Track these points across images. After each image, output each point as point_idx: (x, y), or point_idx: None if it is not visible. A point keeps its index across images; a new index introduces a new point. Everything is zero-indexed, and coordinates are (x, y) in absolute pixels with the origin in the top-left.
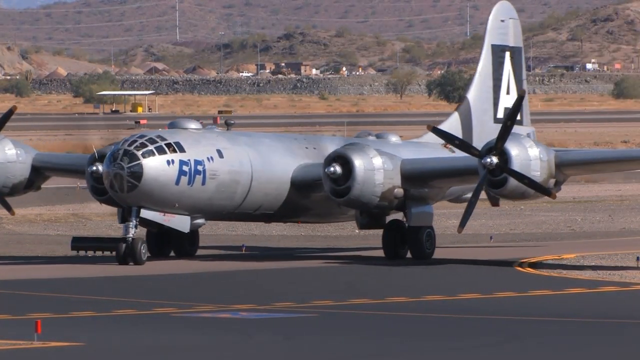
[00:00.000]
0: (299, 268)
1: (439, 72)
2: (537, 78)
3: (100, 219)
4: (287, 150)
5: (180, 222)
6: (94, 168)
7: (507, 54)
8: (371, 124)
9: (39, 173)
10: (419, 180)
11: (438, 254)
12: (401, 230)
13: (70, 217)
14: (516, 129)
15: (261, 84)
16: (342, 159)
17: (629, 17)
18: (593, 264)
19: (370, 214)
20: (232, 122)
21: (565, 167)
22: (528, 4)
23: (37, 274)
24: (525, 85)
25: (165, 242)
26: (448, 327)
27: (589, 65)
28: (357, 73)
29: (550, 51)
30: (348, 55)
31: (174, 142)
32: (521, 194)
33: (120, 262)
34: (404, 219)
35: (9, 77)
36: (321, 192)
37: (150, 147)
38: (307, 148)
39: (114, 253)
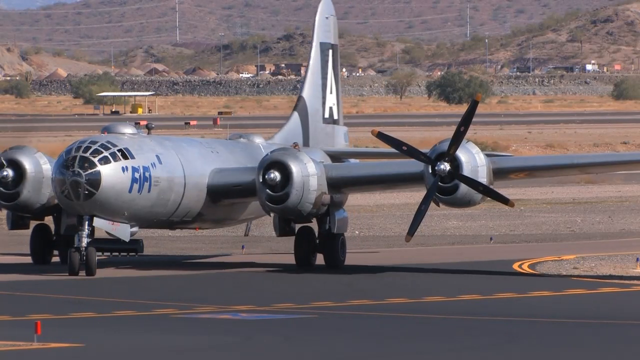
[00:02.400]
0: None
1: (438, 73)
2: (536, 79)
3: None
4: (201, 155)
5: (123, 231)
6: (5, 173)
7: (330, 51)
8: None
9: None
10: (346, 187)
11: (430, 257)
12: (312, 237)
13: None
14: (335, 128)
15: (261, 85)
16: (278, 164)
17: (629, 18)
18: (593, 265)
19: (286, 220)
20: (152, 125)
21: (501, 174)
22: (527, 5)
23: (36, 275)
24: (340, 85)
25: (48, 247)
26: (448, 328)
27: (588, 67)
28: (357, 74)
29: (550, 52)
30: (348, 57)
31: (124, 148)
32: (467, 201)
33: (72, 272)
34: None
35: (8, 78)
36: (234, 198)
37: (106, 153)
38: (212, 152)
39: (114, 254)
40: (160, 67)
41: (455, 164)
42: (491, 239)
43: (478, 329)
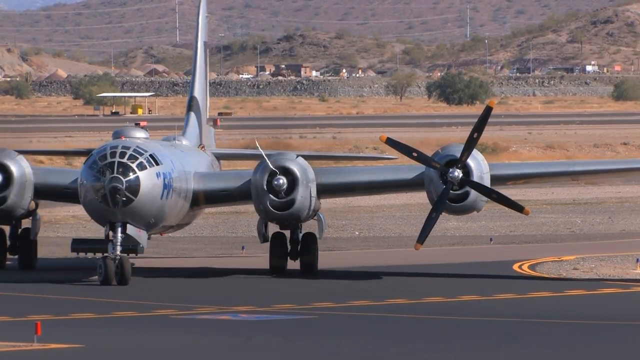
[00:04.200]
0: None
1: (438, 74)
2: (536, 80)
3: None
4: (184, 159)
5: (144, 238)
6: None
7: (207, 50)
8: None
9: None
10: (333, 193)
11: (430, 258)
12: (285, 243)
13: (70, 218)
14: (211, 128)
15: (261, 86)
16: (283, 170)
17: (629, 19)
18: (593, 265)
19: (265, 226)
20: (144, 128)
21: (497, 181)
22: (528, 5)
23: (36, 275)
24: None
25: (2, 251)
26: (448, 328)
27: (588, 67)
28: (357, 75)
29: (550, 53)
30: (348, 57)
31: (153, 154)
32: (474, 208)
33: (107, 282)
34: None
35: (9, 79)
36: (216, 204)
37: (141, 159)
38: (187, 156)
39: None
40: (160, 67)
41: (465, 170)
42: (491, 239)
43: (478, 330)
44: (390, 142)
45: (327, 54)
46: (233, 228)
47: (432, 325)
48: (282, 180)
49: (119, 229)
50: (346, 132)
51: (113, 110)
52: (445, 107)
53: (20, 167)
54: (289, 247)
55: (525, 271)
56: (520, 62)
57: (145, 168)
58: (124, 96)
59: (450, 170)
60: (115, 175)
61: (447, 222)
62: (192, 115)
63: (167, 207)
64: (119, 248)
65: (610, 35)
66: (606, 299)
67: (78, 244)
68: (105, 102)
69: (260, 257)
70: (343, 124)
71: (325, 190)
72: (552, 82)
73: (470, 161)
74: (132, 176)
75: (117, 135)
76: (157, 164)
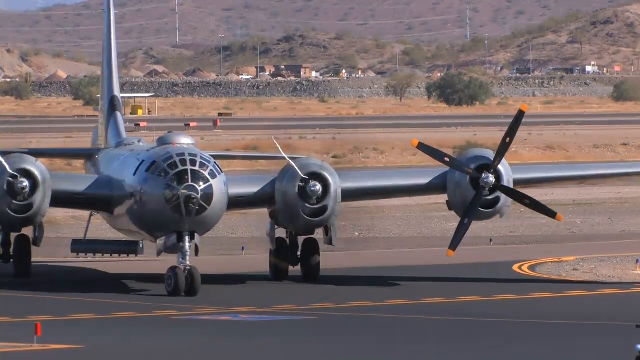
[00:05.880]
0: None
1: (438, 74)
2: (536, 81)
3: (100, 221)
4: None
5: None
6: (24, 184)
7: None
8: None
9: None
10: (353, 198)
11: (429, 258)
12: (287, 249)
13: (70, 219)
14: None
15: (261, 87)
16: (316, 176)
17: (629, 20)
18: (593, 266)
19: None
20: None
21: (517, 185)
22: (528, 6)
23: (37, 276)
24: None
25: None
26: (448, 329)
27: (588, 68)
28: (357, 76)
29: (550, 54)
30: (348, 58)
31: (215, 161)
32: (498, 213)
33: (176, 293)
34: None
35: (9, 80)
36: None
37: (210, 167)
38: None
39: (113, 256)
40: (160, 68)
41: (495, 175)
42: (491, 240)
43: (478, 330)
44: (422, 146)
45: (327, 55)
46: (233, 229)
47: (432, 326)
48: (318, 187)
49: (187, 238)
50: (346, 133)
51: None
52: (445, 108)
53: (42, 173)
54: (289, 253)
55: (525, 272)
56: (520, 63)
57: (216, 176)
58: (124, 97)
59: (484, 175)
60: (190, 183)
61: (446, 223)
62: (118, 114)
63: (223, 214)
64: (188, 258)
65: (610, 36)
66: (606, 300)
67: (78, 245)
68: None
69: (261, 258)
70: (343, 124)
71: (345, 195)
72: (552, 82)
73: (500, 166)
74: (205, 185)
75: (163, 141)
76: (221, 171)
